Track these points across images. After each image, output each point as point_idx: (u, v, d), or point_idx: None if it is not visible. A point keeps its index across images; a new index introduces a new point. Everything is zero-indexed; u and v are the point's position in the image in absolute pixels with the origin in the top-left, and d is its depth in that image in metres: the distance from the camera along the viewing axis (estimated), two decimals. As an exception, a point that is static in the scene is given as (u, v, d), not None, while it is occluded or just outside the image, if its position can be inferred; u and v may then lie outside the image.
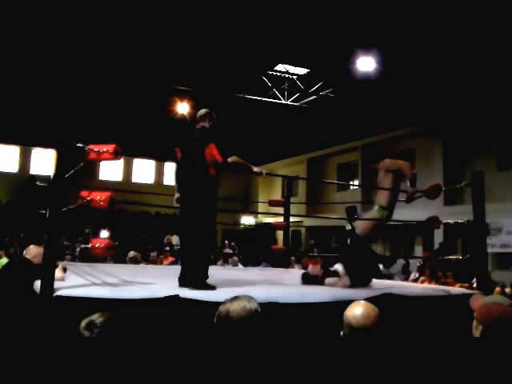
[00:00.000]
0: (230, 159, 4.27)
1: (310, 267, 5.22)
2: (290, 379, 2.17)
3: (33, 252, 4.45)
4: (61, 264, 3.78)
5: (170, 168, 25.07)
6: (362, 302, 2.40)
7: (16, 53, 11.93)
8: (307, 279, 4.90)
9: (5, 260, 7.47)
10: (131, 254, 8.46)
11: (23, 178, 20.36)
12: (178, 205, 4.42)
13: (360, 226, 5.08)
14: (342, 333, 2.33)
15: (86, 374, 2.13)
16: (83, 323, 2.31)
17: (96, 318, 2.31)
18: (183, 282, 3.99)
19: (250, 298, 2.25)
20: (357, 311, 2.30)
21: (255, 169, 4.60)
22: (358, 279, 4.61)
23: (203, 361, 2.14)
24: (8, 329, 3.48)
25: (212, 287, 3.88)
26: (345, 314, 2.32)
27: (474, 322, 2.34)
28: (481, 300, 2.41)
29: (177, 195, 4.48)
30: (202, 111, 4.58)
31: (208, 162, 4.17)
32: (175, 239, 13.64)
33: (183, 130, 4.75)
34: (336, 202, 19.00)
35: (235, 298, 2.23)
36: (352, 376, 2.09)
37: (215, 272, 5.40)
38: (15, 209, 17.25)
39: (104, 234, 14.52)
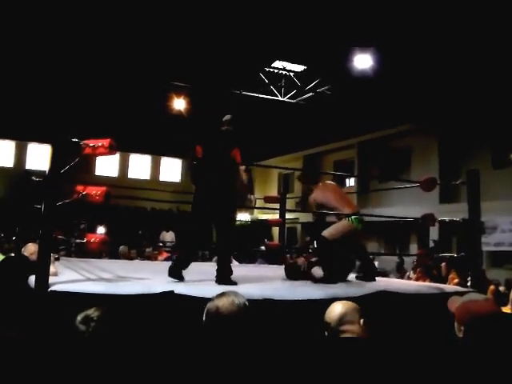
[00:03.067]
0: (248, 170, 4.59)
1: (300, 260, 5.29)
2: (283, 374, 2.17)
3: (31, 249, 4.47)
4: (52, 256, 3.77)
5: (166, 164, 25.07)
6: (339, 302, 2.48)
7: (11, 48, 11.88)
8: (291, 272, 5.06)
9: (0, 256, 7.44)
10: (120, 248, 8.50)
11: (19, 173, 20.44)
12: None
13: (330, 229, 5.13)
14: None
15: (81, 369, 2.13)
16: (79, 317, 2.31)
17: (92, 312, 2.32)
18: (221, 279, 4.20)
19: (236, 293, 2.26)
20: (334, 312, 2.40)
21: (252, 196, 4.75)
22: (332, 275, 4.72)
23: (197, 356, 2.14)
24: (3, 324, 3.47)
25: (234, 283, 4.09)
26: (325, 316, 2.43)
27: (456, 325, 2.36)
28: (458, 301, 2.42)
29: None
30: (228, 117, 4.82)
31: (234, 166, 4.43)
32: (169, 235, 13.65)
33: (204, 129, 4.92)
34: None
35: (222, 294, 2.24)
36: (345, 374, 2.10)
37: (210, 269, 5.41)
38: (11, 204, 17.23)
39: (100, 230, 14.51)
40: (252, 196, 4.72)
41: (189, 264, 4.33)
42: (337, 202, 5.20)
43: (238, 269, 4.84)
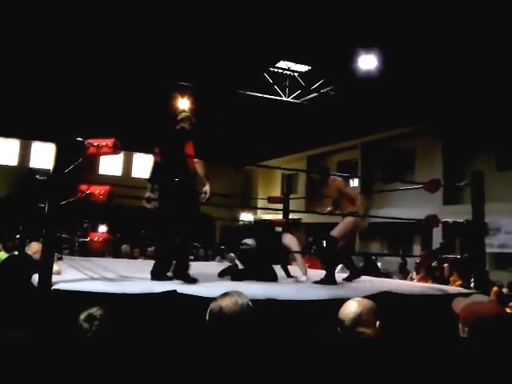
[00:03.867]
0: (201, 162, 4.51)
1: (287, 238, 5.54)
2: (286, 373, 2.17)
3: (34, 248, 4.48)
4: (55, 256, 3.79)
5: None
6: (355, 300, 2.41)
7: (16, 47, 11.90)
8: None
9: (3, 254, 7.46)
10: (123, 247, 8.52)
11: (23, 172, 20.50)
12: (149, 205, 4.48)
13: (338, 228, 5.23)
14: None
15: (84, 367, 2.13)
16: (82, 316, 2.31)
17: (95, 311, 2.32)
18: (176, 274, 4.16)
19: (240, 293, 2.25)
20: (349, 309, 2.32)
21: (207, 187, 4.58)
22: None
23: (200, 356, 2.14)
24: (7, 322, 3.48)
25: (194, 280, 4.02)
26: (339, 312, 2.34)
27: (460, 326, 2.35)
28: (462, 303, 2.42)
29: (148, 194, 4.50)
30: (183, 115, 4.79)
31: (188, 159, 4.38)
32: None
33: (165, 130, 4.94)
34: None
35: (225, 294, 2.24)
36: (347, 373, 2.10)
37: (214, 269, 5.42)
38: (15, 202, 17.27)
39: (102, 229, 14.54)
40: (206, 188, 4.54)
41: (170, 265, 4.29)
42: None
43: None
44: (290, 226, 6.37)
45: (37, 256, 4.46)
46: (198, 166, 4.46)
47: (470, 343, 2.24)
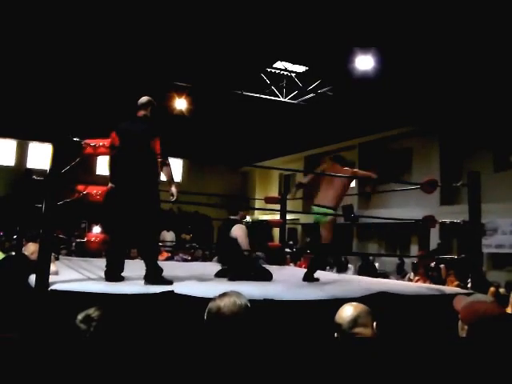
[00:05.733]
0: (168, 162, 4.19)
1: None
2: (284, 374, 2.17)
3: (31, 249, 4.47)
4: (52, 256, 3.78)
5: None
6: (352, 304, 2.42)
7: (13, 47, 11.88)
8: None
9: (0, 254, 7.44)
10: None
11: (20, 172, 20.42)
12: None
13: (324, 235, 5.13)
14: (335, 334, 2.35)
15: (82, 368, 2.13)
16: (80, 316, 2.31)
17: (92, 311, 2.32)
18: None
19: (238, 294, 2.25)
20: (346, 313, 2.33)
21: (173, 188, 4.30)
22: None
23: (198, 356, 2.14)
24: (4, 323, 3.47)
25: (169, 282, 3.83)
26: (336, 317, 2.35)
27: (460, 323, 2.35)
28: (464, 301, 2.42)
29: (110, 185, 4.10)
30: (144, 99, 4.36)
31: (155, 156, 4.05)
32: (170, 235, 13.62)
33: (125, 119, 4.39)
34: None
35: (224, 295, 2.23)
36: (345, 373, 2.10)
37: (211, 268, 5.41)
38: (11, 202, 17.23)
39: (96, 229, 14.49)
40: (173, 189, 4.26)
41: (122, 265, 4.02)
42: None
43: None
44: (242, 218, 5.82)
45: (34, 257, 4.44)
46: (166, 167, 4.18)
47: (469, 342, 2.25)
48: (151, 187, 4.01)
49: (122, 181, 3.99)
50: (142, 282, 3.84)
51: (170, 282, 3.78)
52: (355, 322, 2.28)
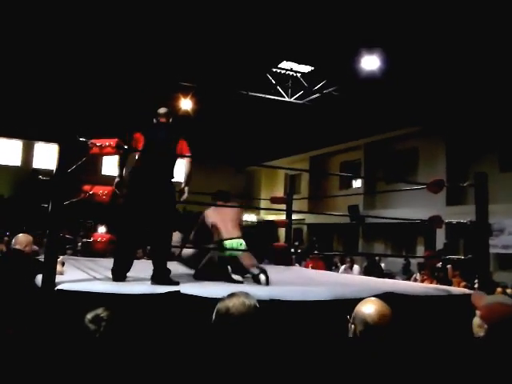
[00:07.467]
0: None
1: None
2: (293, 374, 2.16)
3: (22, 241, 4.41)
4: (61, 258, 3.77)
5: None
6: (375, 299, 2.32)
7: (19, 47, 11.92)
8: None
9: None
10: None
11: (26, 172, 20.53)
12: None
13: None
14: (351, 327, 2.23)
15: (91, 367, 2.13)
16: (89, 316, 2.31)
17: (101, 311, 2.32)
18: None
19: (247, 294, 2.24)
20: (372, 308, 2.19)
21: (186, 188, 4.43)
22: None
23: (206, 356, 2.14)
24: (10, 323, 3.48)
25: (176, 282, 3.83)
26: (358, 311, 2.22)
27: (477, 321, 2.32)
28: (484, 299, 2.39)
29: (118, 179, 4.11)
30: (165, 109, 4.51)
31: (175, 160, 4.29)
32: (176, 235, 13.61)
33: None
34: (338, 195, 19.00)
35: (232, 295, 2.22)
36: (352, 373, 2.08)
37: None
38: (18, 202, 17.31)
39: (101, 229, 14.51)
40: (186, 188, 4.41)
41: (130, 265, 4.03)
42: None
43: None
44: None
45: (28, 249, 4.42)
46: (189, 167, 4.41)
47: (488, 342, 2.22)
48: (170, 189, 4.15)
49: (142, 182, 4.08)
50: (149, 282, 3.84)
51: (176, 283, 3.78)
52: (376, 319, 2.18)
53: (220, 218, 4.89)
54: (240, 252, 4.65)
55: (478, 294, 2.50)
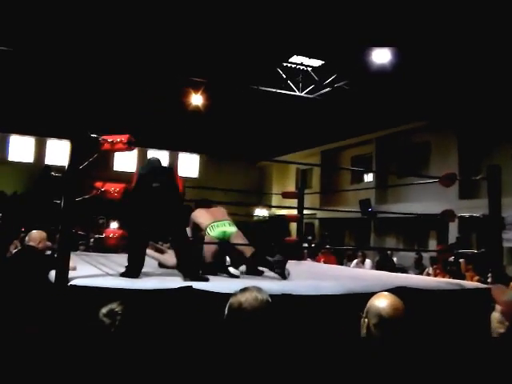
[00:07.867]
0: None
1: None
2: (305, 369, 2.16)
3: (36, 238, 4.44)
4: (72, 255, 3.80)
5: (183, 159, 25.15)
6: (387, 293, 2.30)
7: (31, 44, 11.98)
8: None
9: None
10: None
11: (38, 169, 20.66)
12: None
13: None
14: (364, 322, 2.23)
15: (106, 362, 2.14)
16: (104, 311, 2.33)
17: (116, 306, 2.34)
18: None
19: (259, 289, 2.24)
20: (385, 302, 2.20)
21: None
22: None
23: (217, 352, 2.14)
24: (25, 319, 3.51)
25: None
26: (371, 305, 2.22)
27: (498, 316, 2.28)
28: (506, 293, 2.34)
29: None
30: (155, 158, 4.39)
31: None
32: (187, 231, 13.65)
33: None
34: (349, 189, 18.94)
35: (245, 290, 2.23)
36: (364, 369, 2.08)
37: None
38: (31, 199, 17.42)
39: (113, 225, 14.58)
40: None
41: (142, 264, 3.97)
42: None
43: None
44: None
45: (41, 246, 4.45)
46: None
47: (509, 339, 2.18)
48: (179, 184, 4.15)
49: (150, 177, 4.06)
50: (160, 277, 3.85)
51: (206, 279, 3.78)
52: (391, 312, 2.16)
53: (207, 215, 4.88)
54: (231, 230, 4.64)
55: (499, 288, 2.43)
